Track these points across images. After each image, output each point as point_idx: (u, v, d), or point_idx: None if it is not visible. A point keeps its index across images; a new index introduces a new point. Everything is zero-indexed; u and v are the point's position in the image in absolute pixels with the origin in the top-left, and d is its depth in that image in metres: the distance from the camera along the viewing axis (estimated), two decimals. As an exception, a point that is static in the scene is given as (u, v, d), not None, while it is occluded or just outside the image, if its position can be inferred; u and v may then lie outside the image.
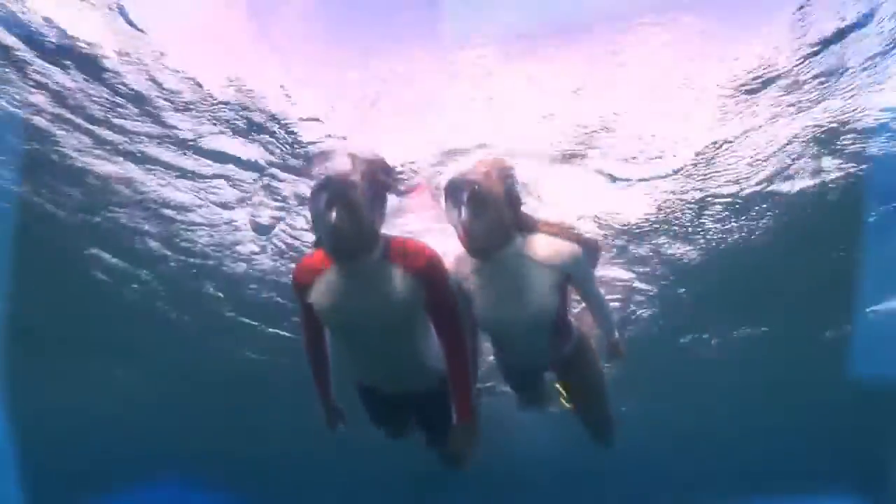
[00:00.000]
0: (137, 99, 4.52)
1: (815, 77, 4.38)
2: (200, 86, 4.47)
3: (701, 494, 16.80)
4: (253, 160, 5.20)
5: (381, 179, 2.49)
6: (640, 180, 5.41)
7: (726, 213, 5.87)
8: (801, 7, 3.88)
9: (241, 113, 4.72)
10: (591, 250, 3.01)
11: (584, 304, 3.07)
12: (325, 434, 3.12)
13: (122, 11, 3.88)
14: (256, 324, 8.32)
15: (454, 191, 2.53)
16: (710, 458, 14.67)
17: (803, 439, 13.08)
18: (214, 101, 4.60)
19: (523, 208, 2.69)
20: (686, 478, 15.73)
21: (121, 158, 5.12)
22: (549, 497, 18.19)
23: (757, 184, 5.47)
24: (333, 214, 2.28)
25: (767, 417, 12.15)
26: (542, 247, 2.66)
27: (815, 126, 4.82)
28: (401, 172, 5.03)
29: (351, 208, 2.30)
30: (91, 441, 12.88)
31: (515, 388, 3.70)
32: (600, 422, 3.33)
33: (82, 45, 4.07)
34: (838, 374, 9.32)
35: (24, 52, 4.09)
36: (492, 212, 2.48)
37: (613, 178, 5.38)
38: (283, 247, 6.43)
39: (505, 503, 18.35)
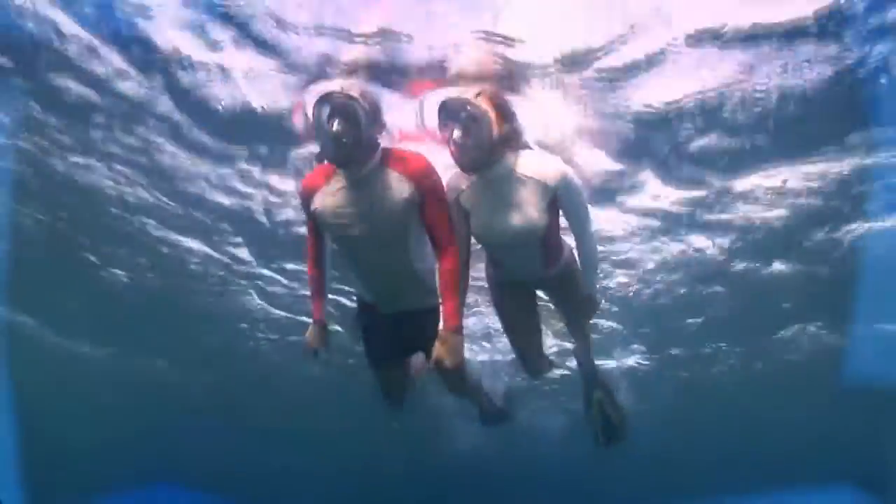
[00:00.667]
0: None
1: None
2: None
3: (701, 488, 16.82)
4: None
5: (374, 101, 2.75)
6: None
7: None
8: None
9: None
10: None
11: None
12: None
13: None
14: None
15: (446, 110, 2.74)
16: (711, 451, 14.70)
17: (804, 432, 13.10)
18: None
19: (516, 124, 2.86)
20: (686, 469, 15.77)
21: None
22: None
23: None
24: (335, 124, 2.53)
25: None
26: (533, 163, 2.86)
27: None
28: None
29: (350, 118, 2.55)
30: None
31: (506, 318, 3.65)
32: (585, 338, 3.81)
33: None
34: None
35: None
36: (482, 130, 2.67)
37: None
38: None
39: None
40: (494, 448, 11.90)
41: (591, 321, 3.77)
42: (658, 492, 16.79)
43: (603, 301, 3.55)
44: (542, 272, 3.25)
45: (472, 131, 2.67)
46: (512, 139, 2.84)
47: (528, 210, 2.82)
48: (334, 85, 2.67)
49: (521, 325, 3.67)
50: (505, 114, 2.79)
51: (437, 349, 2.72)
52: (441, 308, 2.81)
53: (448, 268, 2.76)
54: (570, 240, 3.31)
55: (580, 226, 3.05)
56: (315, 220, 2.92)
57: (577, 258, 3.35)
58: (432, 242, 2.85)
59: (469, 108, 2.67)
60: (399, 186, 2.70)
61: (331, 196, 2.78)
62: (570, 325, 3.85)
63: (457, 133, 2.68)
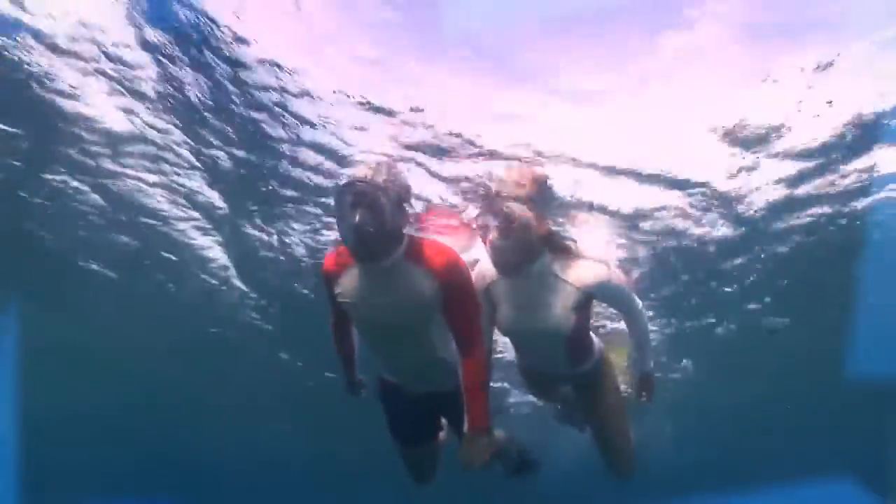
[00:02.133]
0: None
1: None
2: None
3: (701, 484, 16.97)
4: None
5: (403, 184, 2.53)
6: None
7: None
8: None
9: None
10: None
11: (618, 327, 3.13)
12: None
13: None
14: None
15: (487, 212, 2.65)
16: (712, 446, 14.80)
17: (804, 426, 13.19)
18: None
19: (553, 226, 2.83)
20: (687, 466, 15.87)
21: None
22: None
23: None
24: (357, 215, 2.35)
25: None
26: (568, 266, 2.74)
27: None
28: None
29: (374, 209, 2.36)
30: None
31: (532, 393, 3.79)
32: (615, 450, 3.28)
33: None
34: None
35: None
36: (519, 235, 2.57)
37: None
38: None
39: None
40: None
41: (641, 404, 3.33)
42: (658, 489, 16.91)
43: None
44: (565, 369, 3.13)
45: (511, 233, 2.57)
46: (551, 243, 2.73)
47: (555, 311, 2.72)
48: (360, 171, 2.44)
49: (545, 398, 3.72)
50: (544, 217, 2.68)
51: (464, 452, 2.56)
52: (465, 408, 2.62)
53: (472, 368, 2.60)
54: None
55: (628, 313, 2.96)
56: (337, 304, 2.75)
57: (606, 358, 3.24)
58: (455, 339, 2.66)
59: (508, 210, 2.56)
60: (423, 282, 2.52)
61: (352, 281, 2.62)
62: (597, 432, 3.35)
63: (494, 235, 2.59)
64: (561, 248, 2.76)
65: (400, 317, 2.58)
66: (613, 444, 3.25)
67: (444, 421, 3.24)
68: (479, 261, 2.91)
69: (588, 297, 2.75)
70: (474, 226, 2.78)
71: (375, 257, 2.46)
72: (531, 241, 2.61)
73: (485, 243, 2.68)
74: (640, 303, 2.98)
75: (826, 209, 5.94)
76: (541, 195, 2.74)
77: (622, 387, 3.38)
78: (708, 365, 9.92)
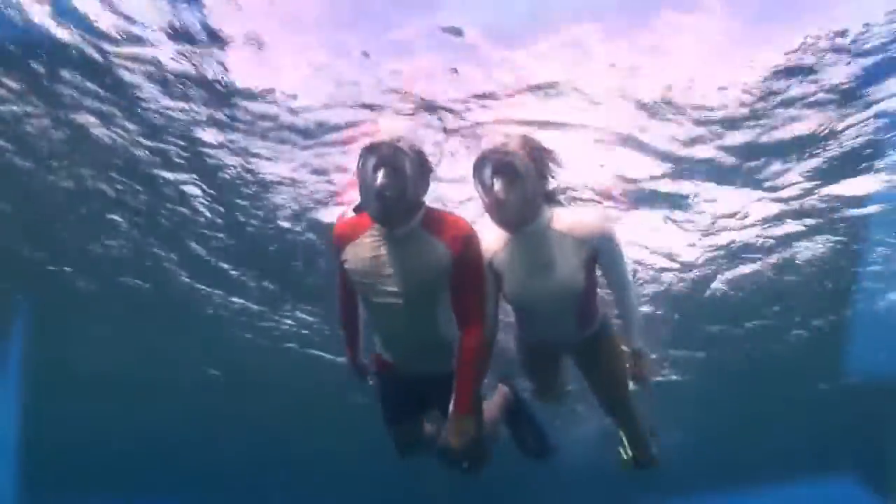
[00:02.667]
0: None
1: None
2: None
3: (701, 482, 16.97)
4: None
5: (424, 153, 2.52)
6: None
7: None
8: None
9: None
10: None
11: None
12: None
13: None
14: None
15: (485, 164, 2.53)
16: (714, 443, 14.80)
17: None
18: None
19: (551, 181, 2.67)
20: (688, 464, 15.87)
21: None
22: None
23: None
24: (380, 176, 2.34)
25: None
26: (571, 220, 2.65)
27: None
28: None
29: (397, 172, 2.36)
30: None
31: (531, 375, 3.60)
32: (627, 420, 3.21)
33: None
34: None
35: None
36: (524, 183, 2.48)
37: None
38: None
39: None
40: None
41: (639, 386, 3.16)
42: (658, 486, 16.92)
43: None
44: (574, 335, 3.03)
45: (515, 186, 2.48)
46: (552, 194, 2.66)
47: (566, 269, 2.63)
48: (384, 133, 2.44)
49: (544, 381, 3.54)
50: (545, 167, 2.59)
51: (448, 433, 2.52)
52: (454, 386, 2.57)
53: (471, 345, 2.55)
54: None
55: (620, 280, 2.84)
56: (344, 272, 2.72)
57: (610, 320, 3.12)
58: (457, 313, 2.62)
59: (511, 159, 2.47)
60: (436, 252, 2.49)
61: (363, 250, 2.59)
62: (604, 401, 3.26)
63: (498, 187, 2.48)
64: (559, 200, 2.70)
65: (409, 287, 2.54)
66: (624, 412, 3.15)
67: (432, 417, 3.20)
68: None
69: (594, 251, 2.67)
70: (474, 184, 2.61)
71: (394, 222, 2.46)
72: (536, 193, 2.53)
73: (485, 201, 2.57)
74: (630, 275, 2.91)
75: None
76: (538, 157, 2.60)
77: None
78: (708, 364, 9.97)
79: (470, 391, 2.55)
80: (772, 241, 6.50)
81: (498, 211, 2.55)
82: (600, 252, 2.69)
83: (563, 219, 2.65)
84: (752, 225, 6.21)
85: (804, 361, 9.75)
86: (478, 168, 2.56)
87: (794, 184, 5.54)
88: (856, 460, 14.00)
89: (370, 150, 2.40)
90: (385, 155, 2.37)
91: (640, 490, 16.69)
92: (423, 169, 2.49)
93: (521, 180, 2.48)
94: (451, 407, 2.55)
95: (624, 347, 3.08)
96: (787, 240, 6.50)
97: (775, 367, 10.06)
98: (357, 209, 2.58)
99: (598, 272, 2.84)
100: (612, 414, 3.23)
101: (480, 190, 2.58)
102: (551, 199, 2.67)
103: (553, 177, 2.66)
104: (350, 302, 2.95)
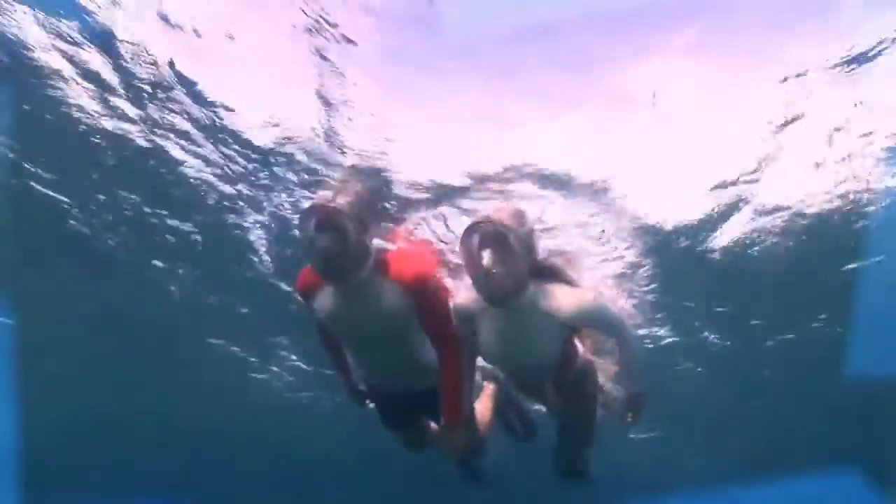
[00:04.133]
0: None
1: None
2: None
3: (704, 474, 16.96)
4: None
5: (368, 201, 2.57)
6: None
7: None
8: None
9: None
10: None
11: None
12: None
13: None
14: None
15: (474, 235, 2.46)
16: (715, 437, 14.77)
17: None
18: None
19: (540, 254, 2.66)
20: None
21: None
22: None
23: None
24: (322, 239, 2.37)
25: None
26: (557, 300, 2.58)
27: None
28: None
29: (338, 232, 2.37)
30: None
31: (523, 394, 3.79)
32: (574, 454, 3.22)
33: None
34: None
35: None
36: (514, 256, 2.42)
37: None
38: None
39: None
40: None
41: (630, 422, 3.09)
42: (658, 483, 16.93)
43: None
44: (553, 378, 3.04)
45: (506, 259, 2.41)
46: (539, 269, 2.62)
47: (545, 347, 2.64)
48: (323, 195, 2.46)
49: (536, 400, 3.64)
50: (531, 240, 2.54)
51: (441, 442, 2.71)
52: (441, 403, 2.66)
53: (448, 365, 2.63)
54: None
55: (618, 339, 2.80)
56: (317, 320, 2.83)
57: (591, 367, 3.15)
58: (430, 337, 2.72)
59: (502, 231, 2.40)
60: (392, 293, 2.56)
61: (327, 298, 2.67)
62: (564, 430, 3.25)
63: (488, 260, 2.40)
64: (549, 275, 2.63)
65: (377, 328, 2.62)
66: (576, 447, 3.15)
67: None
68: (458, 291, 2.82)
69: (575, 327, 2.67)
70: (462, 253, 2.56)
71: (342, 277, 2.49)
72: (525, 268, 2.49)
73: (471, 272, 2.50)
74: (630, 328, 2.87)
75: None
76: (526, 229, 2.59)
77: (608, 385, 3.37)
78: (708, 364, 9.85)
79: (456, 405, 2.62)
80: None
81: (485, 283, 2.47)
82: (590, 326, 2.74)
83: (549, 297, 2.58)
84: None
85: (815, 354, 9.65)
86: (465, 237, 2.48)
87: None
88: (858, 455, 13.97)
89: (309, 212, 2.43)
90: (323, 216, 2.39)
91: (639, 488, 16.70)
92: (367, 219, 2.49)
93: (510, 254, 2.40)
94: (442, 420, 2.68)
95: (614, 392, 3.19)
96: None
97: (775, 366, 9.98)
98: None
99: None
100: (563, 445, 3.22)
101: (466, 259, 2.50)
102: (539, 273, 2.62)
103: (539, 252, 2.61)
104: (330, 342, 3.06)
